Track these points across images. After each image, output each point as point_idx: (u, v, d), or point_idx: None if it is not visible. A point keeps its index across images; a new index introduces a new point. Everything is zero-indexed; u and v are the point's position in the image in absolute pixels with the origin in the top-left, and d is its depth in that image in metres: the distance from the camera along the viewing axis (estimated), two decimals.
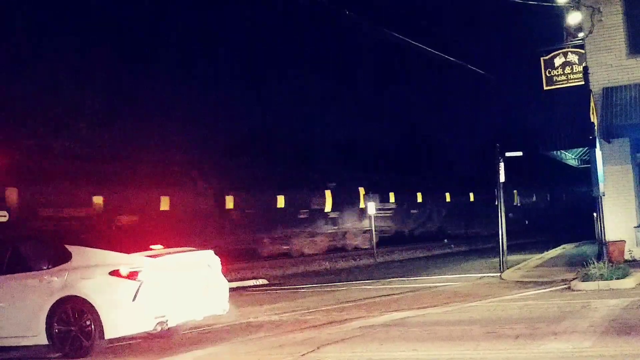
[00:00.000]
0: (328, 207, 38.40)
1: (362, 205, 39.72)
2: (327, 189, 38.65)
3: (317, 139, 54.47)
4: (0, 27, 33.93)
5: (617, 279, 15.01)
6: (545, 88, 20.40)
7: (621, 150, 18.66)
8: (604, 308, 12.14)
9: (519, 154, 22.47)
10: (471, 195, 52.26)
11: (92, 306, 10.86)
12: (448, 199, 50.35)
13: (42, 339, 11.24)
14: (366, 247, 38.98)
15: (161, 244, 12.27)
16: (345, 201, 39.63)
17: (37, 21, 37.24)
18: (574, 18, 19.62)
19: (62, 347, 11.14)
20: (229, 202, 33.16)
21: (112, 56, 39.48)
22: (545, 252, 26.45)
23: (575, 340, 9.42)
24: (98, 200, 27.31)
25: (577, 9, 19.24)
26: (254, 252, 34.24)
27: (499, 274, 19.48)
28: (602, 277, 15.15)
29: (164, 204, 29.34)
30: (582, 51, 19.27)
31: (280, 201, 36.13)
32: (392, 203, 43.51)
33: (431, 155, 65.62)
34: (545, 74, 20.22)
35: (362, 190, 40.38)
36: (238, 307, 15.44)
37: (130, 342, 12.19)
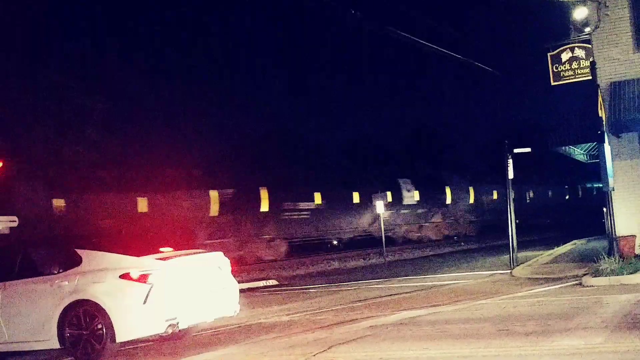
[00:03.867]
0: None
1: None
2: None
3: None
4: (8, 33, 34.02)
5: (628, 274, 14.98)
6: (552, 84, 20.30)
7: (630, 144, 18.57)
8: (615, 304, 12.10)
9: (527, 150, 22.43)
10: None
11: (104, 310, 10.90)
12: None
13: (54, 343, 11.28)
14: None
15: (171, 247, 12.31)
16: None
17: (44, 27, 37.33)
18: (580, 13, 19.53)
19: (74, 351, 11.19)
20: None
21: (119, 59, 39.59)
22: (556, 248, 26.36)
23: (587, 336, 9.39)
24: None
25: (584, 3, 19.16)
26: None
27: (509, 271, 19.45)
28: (613, 273, 15.12)
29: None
30: (589, 46, 19.18)
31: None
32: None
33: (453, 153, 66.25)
34: (552, 70, 20.14)
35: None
36: (249, 308, 15.47)
37: (142, 345, 12.23)
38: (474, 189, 48.88)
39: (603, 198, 18.62)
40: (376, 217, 39.87)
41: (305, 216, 36.95)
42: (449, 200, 46.50)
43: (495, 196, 50.56)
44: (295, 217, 36.32)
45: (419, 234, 44.22)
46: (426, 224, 44.93)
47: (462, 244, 39.63)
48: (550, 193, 59.80)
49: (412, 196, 43.70)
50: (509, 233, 20.99)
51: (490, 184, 50.07)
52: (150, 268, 11.04)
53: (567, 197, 62.61)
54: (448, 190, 46.58)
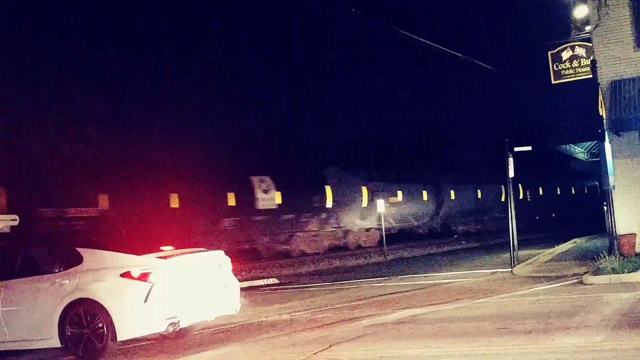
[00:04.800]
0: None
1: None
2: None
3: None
4: (8, 32, 34.07)
5: (629, 272, 14.98)
6: (553, 82, 20.31)
7: (630, 143, 18.58)
8: (616, 302, 12.11)
9: (528, 148, 22.42)
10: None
11: (104, 308, 10.91)
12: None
13: (55, 342, 11.29)
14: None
15: (171, 245, 12.31)
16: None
17: (44, 25, 37.40)
18: (580, 11, 19.54)
19: (75, 349, 11.19)
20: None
21: (121, 58, 39.66)
22: (557, 247, 26.38)
23: (587, 334, 9.40)
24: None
25: (584, 2, 19.17)
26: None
27: (510, 269, 19.46)
28: (613, 271, 15.13)
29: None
30: (590, 44, 19.18)
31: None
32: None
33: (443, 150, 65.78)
34: (553, 68, 20.15)
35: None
36: (249, 307, 15.48)
37: (143, 343, 12.23)
38: (368, 189, 39.54)
39: (604, 196, 18.60)
40: (207, 228, 30.73)
41: (78, 227, 26.37)
42: (329, 204, 37.46)
43: (400, 197, 42.04)
44: (61, 228, 25.73)
45: (288, 247, 35.27)
46: (299, 234, 35.83)
47: (463, 242, 39.42)
48: (549, 191, 59.45)
49: (270, 198, 34.13)
50: (510, 232, 21.02)
51: (396, 183, 42.23)
52: (151, 267, 11.05)
53: (567, 194, 62.31)
54: (329, 191, 37.53)
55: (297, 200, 35.30)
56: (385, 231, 36.51)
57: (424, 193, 44.58)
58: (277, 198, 34.34)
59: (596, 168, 19.17)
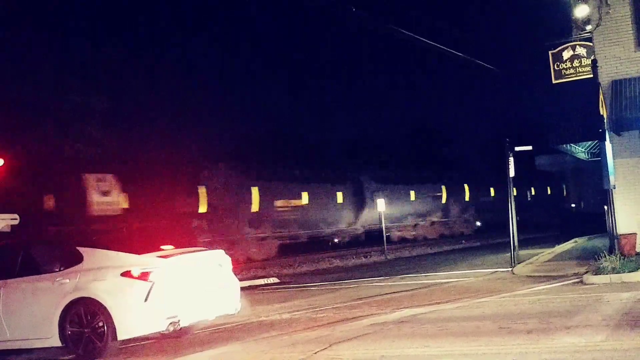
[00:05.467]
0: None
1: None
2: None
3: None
4: (9, 31, 34.09)
5: (630, 272, 14.98)
6: (554, 82, 20.31)
7: (631, 142, 18.59)
8: (616, 301, 12.10)
9: (529, 148, 22.44)
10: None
11: (105, 307, 10.90)
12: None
13: (56, 341, 11.29)
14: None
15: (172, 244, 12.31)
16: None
17: (45, 25, 37.41)
18: (581, 11, 19.54)
19: (76, 348, 11.19)
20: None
21: (120, 57, 39.67)
22: (557, 246, 26.38)
23: (588, 334, 9.39)
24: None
25: (585, 1, 19.17)
26: None
27: (510, 269, 19.46)
28: (614, 271, 15.12)
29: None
30: (591, 44, 19.19)
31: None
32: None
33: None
34: (554, 68, 20.14)
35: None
36: (250, 306, 15.47)
37: (143, 342, 12.23)
38: (260, 191, 33.25)
39: (604, 196, 18.60)
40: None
41: None
42: (203, 208, 30.77)
43: (305, 200, 36.24)
44: None
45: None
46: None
47: (464, 242, 39.43)
48: (552, 191, 59.38)
49: (112, 202, 27.12)
50: (510, 231, 21.03)
51: (300, 183, 36.32)
52: (151, 266, 11.05)
53: (569, 194, 62.15)
54: (203, 192, 30.82)
55: (154, 205, 28.12)
56: (288, 240, 32.95)
57: (339, 194, 38.31)
58: (122, 202, 27.51)
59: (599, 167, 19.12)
